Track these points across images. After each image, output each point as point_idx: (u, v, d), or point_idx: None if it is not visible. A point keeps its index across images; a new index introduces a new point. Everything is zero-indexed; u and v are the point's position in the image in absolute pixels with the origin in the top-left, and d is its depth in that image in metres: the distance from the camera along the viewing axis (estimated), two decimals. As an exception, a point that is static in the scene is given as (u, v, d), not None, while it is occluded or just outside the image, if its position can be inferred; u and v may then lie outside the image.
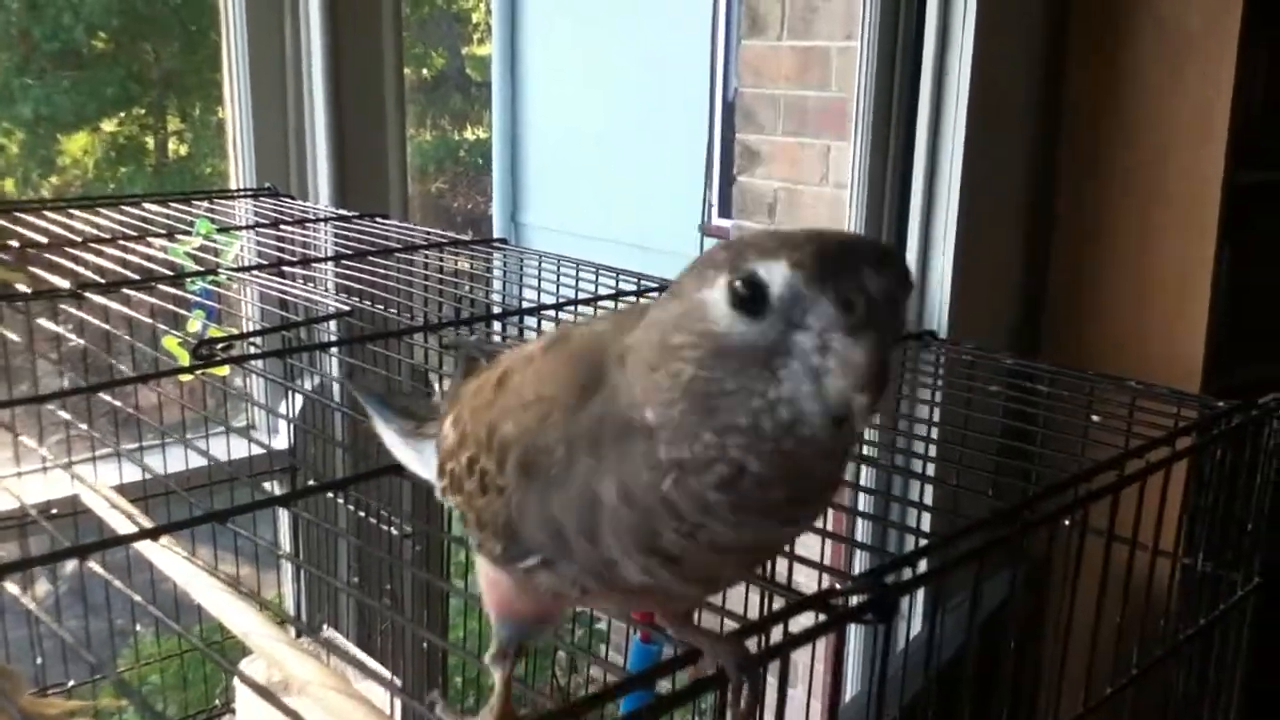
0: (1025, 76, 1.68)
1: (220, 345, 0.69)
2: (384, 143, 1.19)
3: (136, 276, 0.80)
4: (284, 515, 1.21)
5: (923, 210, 1.56)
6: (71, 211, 1.06)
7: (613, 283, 0.92)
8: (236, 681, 1.02)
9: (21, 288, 0.78)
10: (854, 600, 0.48)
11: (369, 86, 1.18)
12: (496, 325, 0.82)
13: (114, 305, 0.76)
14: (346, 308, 0.78)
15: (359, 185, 1.18)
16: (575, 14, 5.41)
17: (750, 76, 1.95)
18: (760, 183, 1.92)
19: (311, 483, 1.05)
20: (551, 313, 0.83)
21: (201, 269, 0.88)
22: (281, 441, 1.12)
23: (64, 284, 0.78)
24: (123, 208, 1.09)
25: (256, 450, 0.98)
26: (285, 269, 0.87)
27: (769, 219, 1.91)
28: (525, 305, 0.87)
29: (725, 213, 4.24)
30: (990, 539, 0.56)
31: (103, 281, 0.78)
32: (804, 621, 0.51)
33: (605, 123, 5.23)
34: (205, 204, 1.10)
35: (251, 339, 0.73)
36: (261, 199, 1.13)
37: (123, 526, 0.73)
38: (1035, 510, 0.59)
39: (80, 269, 0.81)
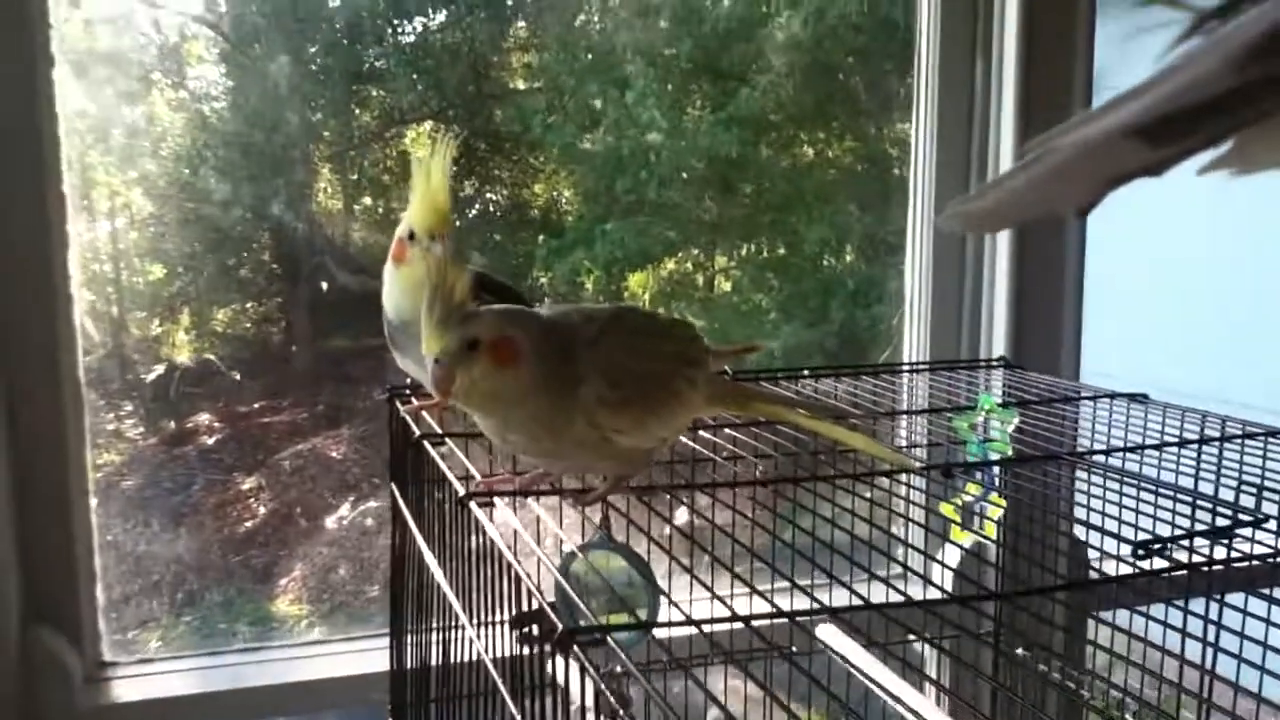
0: None
1: (1157, 545, 0.73)
2: (1061, 303, 1.22)
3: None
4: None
5: None
6: (805, 381, 1.17)
7: None
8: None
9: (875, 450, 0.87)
10: None
11: (1050, 245, 1.21)
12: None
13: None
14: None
15: (1033, 348, 1.22)
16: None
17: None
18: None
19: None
20: None
21: (978, 440, 0.94)
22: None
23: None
24: (842, 377, 1.19)
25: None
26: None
27: None
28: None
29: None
30: None
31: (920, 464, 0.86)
32: None
33: (1184, 272, 4.85)
34: (961, 374, 1.18)
35: (1192, 538, 0.76)
36: (995, 369, 1.20)
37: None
38: None
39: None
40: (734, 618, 0.68)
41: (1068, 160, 0.42)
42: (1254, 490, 0.91)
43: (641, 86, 2.88)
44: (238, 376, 2.64)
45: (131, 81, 2.35)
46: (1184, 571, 0.74)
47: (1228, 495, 0.93)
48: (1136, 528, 0.89)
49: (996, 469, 0.91)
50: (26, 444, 1.21)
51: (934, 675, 1.24)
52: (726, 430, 1.02)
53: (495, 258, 3.23)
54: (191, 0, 2.58)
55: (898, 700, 0.90)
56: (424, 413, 1.04)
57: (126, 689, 1.30)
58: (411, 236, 0.96)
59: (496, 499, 0.82)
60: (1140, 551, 0.71)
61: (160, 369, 2.45)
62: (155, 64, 2.43)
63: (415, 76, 2.86)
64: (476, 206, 3.20)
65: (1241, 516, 0.84)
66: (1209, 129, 0.39)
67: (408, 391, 1.11)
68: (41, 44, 1.16)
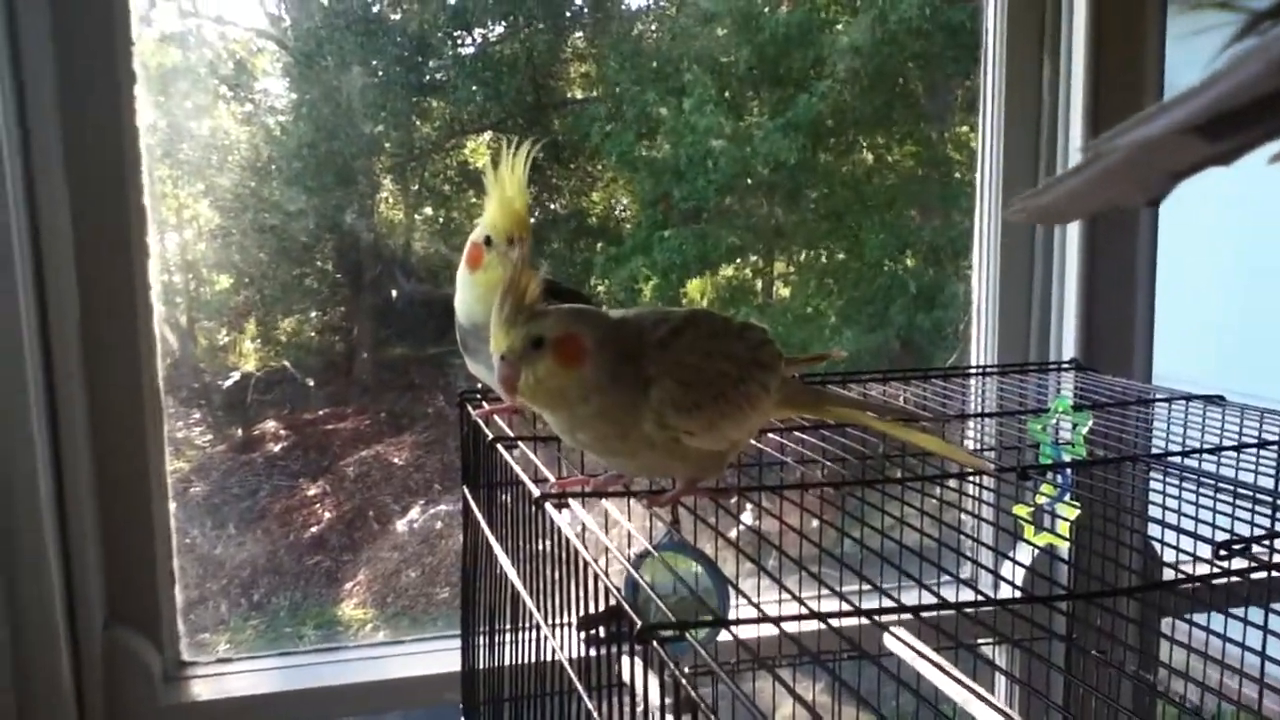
0: None
1: (1239, 546, 0.72)
2: (1132, 305, 1.20)
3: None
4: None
5: None
6: (868, 383, 1.17)
7: None
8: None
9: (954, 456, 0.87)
10: None
11: (1120, 247, 1.20)
12: None
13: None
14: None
15: (1103, 351, 1.20)
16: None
17: None
18: None
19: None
20: None
21: (1052, 443, 0.94)
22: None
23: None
24: (912, 381, 1.18)
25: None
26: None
27: None
28: None
29: None
30: None
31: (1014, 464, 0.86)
32: None
33: (1256, 275, 4.69)
34: (1020, 377, 1.17)
35: (1274, 538, 0.76)
36: (1065, 372, 1.19)
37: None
38: None
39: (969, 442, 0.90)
40: (812, 615, 0.68)
41: (1129, 157, 0.44)
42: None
43: (700, 94, 2.89)
44: (311, 383, 2.69)
45: (200, 95, 2.40)
46: (1266, 573, 0.73)
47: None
48: (1215, 527, 0.88)
49: (1070, 472, 0.90)
50: (109, 449, 1.25)
51: (1005, 668, 1.23)
52: (795, 433, 1.02)
53: (554, 266, 3.25)
54: (257, 15, 2.63)
55: (970, 701, 0.90)
56: (494, 417, 1.06)
57: (205, 688, 1.34)
58: (488, 242, 0.96)
59: (571, 500, 0.83)
60: (1222, 552, 0.70)
61: (236, 376, 2.50)
62: (223, 78, 2.49)
63: (475, 88, 2.89)
64: (536, 215, 3.24)
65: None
66: (1265, 125, 0.40)
67: (479, 396, 1.12)
68: (124, 60, 1.19)
